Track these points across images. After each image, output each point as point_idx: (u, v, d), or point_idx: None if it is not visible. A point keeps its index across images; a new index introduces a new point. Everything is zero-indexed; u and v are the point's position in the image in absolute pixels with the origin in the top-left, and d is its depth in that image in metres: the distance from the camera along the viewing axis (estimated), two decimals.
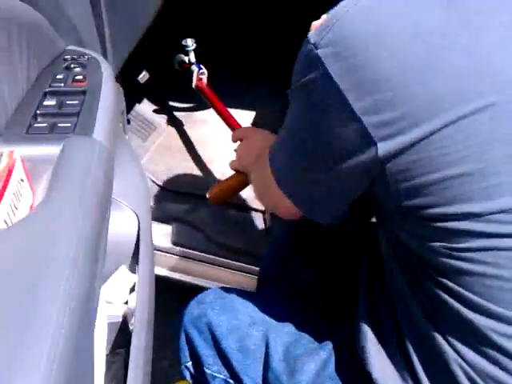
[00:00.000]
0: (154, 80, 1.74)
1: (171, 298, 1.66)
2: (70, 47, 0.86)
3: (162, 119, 1.82)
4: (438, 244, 0.58)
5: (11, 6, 0.65)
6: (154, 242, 1.48)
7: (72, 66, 0.80)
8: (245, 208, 1.53)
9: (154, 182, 1.58)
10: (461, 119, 0.50)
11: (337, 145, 0.58)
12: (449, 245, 0.57)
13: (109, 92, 0.76)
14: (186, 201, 1.54)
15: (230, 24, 2.04)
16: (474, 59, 0.50)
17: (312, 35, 0.55)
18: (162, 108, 1.87)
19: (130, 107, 1.79)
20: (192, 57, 1.67)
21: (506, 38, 0.51)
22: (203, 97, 1.62)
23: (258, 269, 1.40)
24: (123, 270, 1.12)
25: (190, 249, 1.48)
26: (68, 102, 0.72)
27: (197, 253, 1.47)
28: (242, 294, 0.99)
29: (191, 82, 1.64)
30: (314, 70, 0.55)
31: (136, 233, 1.14)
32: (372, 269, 0.79)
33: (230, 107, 1.54)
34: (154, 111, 1.84)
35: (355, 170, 0.58)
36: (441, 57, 0.50)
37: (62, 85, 0.75)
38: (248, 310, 0.93)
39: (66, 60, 0.82)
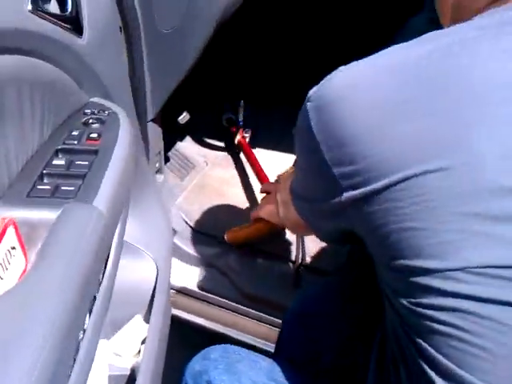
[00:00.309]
0: (197, 119, 1.75)
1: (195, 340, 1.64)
2: (93, 99, 0.86)
3: (201, 158, 1.82)
4: (406, 299, 0.60)
5: (22, 65, 0.65)
6: (180, 283, 1.47)
7: (90, 121, 0.79)
8: (276, 257, 1.50)
9: (186, 222, 1.57)
10: (410, 178, 0.54)
11: (318, 186, 0.66)
12: (414, 300, 0.59)
13: (122, 152, 0.75)
14: (216, 245, 1.52)
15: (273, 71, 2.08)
16: (420, 126, 0.54)
17: (311, 90, 0.62)
18: (204, 147, 1.87)
19: (171, 145, 1.80)
20: (240, 116, 1.83)
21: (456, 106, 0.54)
22: (242, 152, 1.79)
23: (280, 322, 1.36)
24: (137, 319, 1.10)
25: (214, 294, 1.45)
26: (77, 163, 0.71)
27: (221, 299, 1.44)
28: (250, 354, 0.98)
29: (235, 136, 1.83)
30: (303, 119, 0.62)
31: (154, 283, 1.13)
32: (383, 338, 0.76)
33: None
34: (195, 150, 1.85)
35: (333, 209, 0.64)
36: (392, 123, 0.55)
37: (76, 142, 0.75)
38: (252, 373, 0.91)
39: (85, 114, 0.81)
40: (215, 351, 0.97)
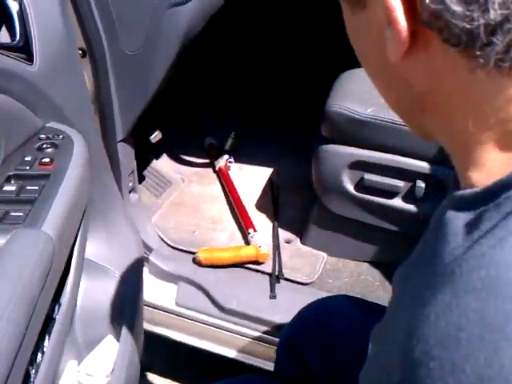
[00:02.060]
0: (174, 137, 1.77)
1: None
2: (49, 124, 0.87)
3: (178, 175, 1.83)
4: None
5: None
6: (157, 301, 1.48)
7: (44, 146, 0.81)
8: (253, 271, 1.51)
9: (162, 239, 1.58)
10: None
11: None
12: None
13: (74, 175, 0.77)
14: (192, 261, 1.53)
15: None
16: None
17: None
18: (180, 164, 1.89)
19: (146, 164, 1.81)
20: (228, 145, 1.89)
21: None
22: (222, 180, 1.79)
23: (259, 334, 1.38)
24: (109, 339, 1.11)
25: (193, 310, 1.46)
26: (28, 188, 0.72)
27: (199, 315, 1.45)
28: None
29: (214, 160, 1.85)
30: None
31: (123, 302, 1.14)
32: None
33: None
34: (171, 167, 1.86)
35: None
36: None
37: (28, 168, 0.76)
38: None
39: (40, 139, 0.83)
40: None
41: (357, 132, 1.30)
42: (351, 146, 1.33)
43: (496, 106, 0.38)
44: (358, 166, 1.34)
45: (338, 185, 1.37)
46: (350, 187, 1.37)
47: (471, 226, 0.38)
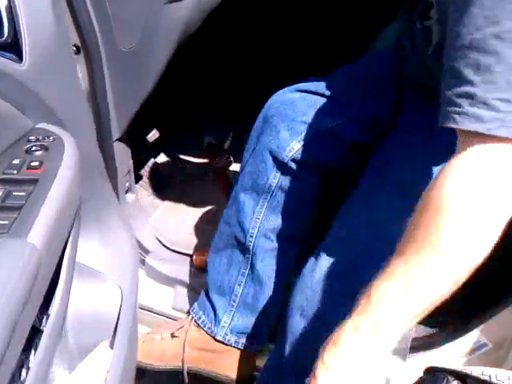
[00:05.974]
0: (170, 137, 1.74)
1: None
2: (40, 125, 0.84)
3: (177, 176, 1.80)
4: None
5: None
6: (154, 304, 1.45)
7: (33, 148, 0.77)
8: None
9: (159, 241, 1.54)
10: None
11: None
12: None
13: (64, 181, 0.73)
14: (190, 264, 1.50)
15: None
16: None
17: None
18: (179, 165, 1.85)
19: (144, 163, 1.77)
20: (227, 144, 1.89)
21: None
22: (219, 177, 1.79)
23: None
24: (104, 346, 1.07)
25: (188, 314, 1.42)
26: (14, 194, 0.69)
27: None
28: None
29: (214, 160, 1.84)
30: None
31: (119, 308, 1.10)
32: None
33: None
34: (169, 168, 1.83)
35: None
36: None
37: (15, 172, 0.72)
38: None
39: (29, 141, 0.79)
40: None
41: None
42: None
43: None
44: None
45: None
46: None
47: None
